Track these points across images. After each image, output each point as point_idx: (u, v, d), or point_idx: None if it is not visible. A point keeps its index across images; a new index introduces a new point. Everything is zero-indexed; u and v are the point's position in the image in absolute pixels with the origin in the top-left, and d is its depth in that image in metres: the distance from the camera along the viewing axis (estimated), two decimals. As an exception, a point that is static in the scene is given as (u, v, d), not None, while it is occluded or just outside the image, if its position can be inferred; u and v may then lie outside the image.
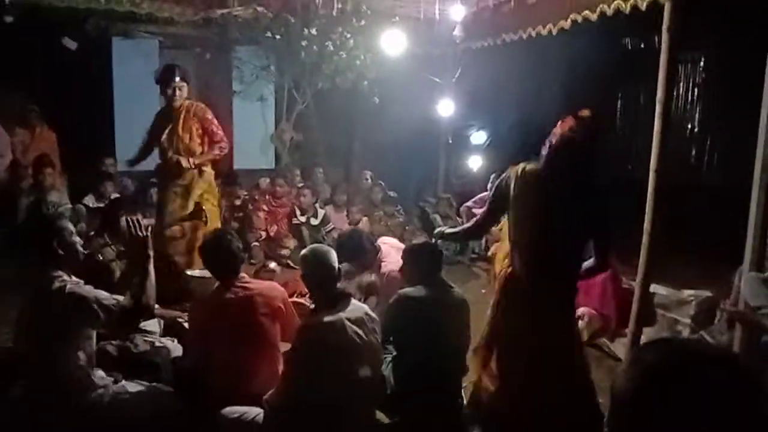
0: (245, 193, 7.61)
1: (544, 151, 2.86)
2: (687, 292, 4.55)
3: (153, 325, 3.87)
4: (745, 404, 0.92)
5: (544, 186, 2.85)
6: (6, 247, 5.51)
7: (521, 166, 2.95)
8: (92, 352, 2.95)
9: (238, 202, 7.36)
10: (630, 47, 8.91)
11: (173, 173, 5.15)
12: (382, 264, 4.35)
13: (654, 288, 4.27)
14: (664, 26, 3.78)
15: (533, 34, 5.79)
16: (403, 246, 4.20)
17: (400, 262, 3.65)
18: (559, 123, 2.83)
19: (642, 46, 8.67)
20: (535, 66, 8.57)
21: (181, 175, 5.14)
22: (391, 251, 4.45)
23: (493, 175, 7.70)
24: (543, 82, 8.94)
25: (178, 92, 5.11)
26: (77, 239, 3.00)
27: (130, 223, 3.00)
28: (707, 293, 4.51)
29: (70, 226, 3.01)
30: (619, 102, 9.22)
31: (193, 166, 5.11)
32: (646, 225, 3.87)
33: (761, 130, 3.61)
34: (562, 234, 2.85)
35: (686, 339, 3.30)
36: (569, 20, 5.05)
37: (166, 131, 5.17)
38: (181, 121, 5.14)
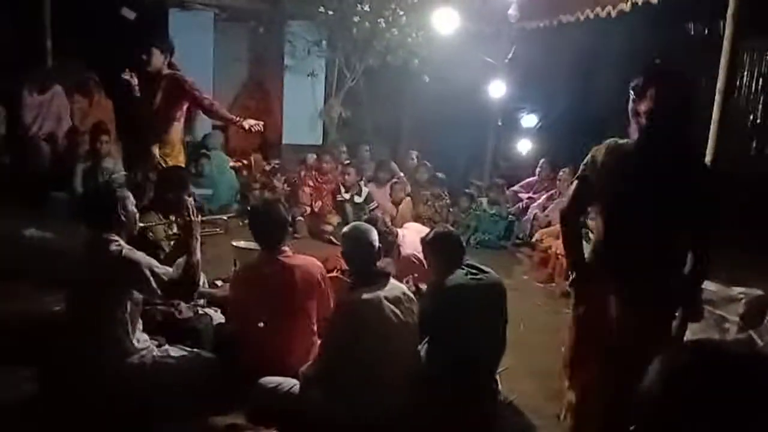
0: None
1: (636, 123, 2.53)
2: (737, 290, 4.39)
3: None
4: None
5: (643, 161, 2.50)
6: (64, 210, 5.75)
7: (610, 141, 2.64)
8: (137, 316, 3.05)
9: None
10: (692, 33, 8.56)
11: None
12: (401, 248, 4.37)
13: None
14: (729, 12, 3.62)
15: (591, 15, 5.63)
16: (424, 229, 4.16)
17: (419, 246, 3.62)
18: (647, 90, 2.49)
19: (706, 32, 8.32)
20: (591, 50, 8.32)
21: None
22: (409, 236, 4.44)
23: (542, 160, 7.60)
24: (598, 67, 8.68)
25: (147, 58, 4.97)
26: (135, 210, 3.12)
27: (184, 207, 3.15)
28: (758, 291, 4.35)
29: (131, 196, 3.13)
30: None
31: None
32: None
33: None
34: (665, 216, 2.49)
35: (717, 341, 3.17)
36: (629, 3, 4.89)
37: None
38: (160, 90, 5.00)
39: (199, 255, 3.14)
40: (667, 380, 0.95)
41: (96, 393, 2.87)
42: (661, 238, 2.55)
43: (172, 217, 3.61)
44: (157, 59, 5.01)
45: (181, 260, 3.17)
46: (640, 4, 4.72)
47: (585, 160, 2.71)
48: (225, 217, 4.54)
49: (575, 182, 2.76)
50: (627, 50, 7.79)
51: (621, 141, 2.61)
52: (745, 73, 8.02)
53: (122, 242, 2.96)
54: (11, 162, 6.80)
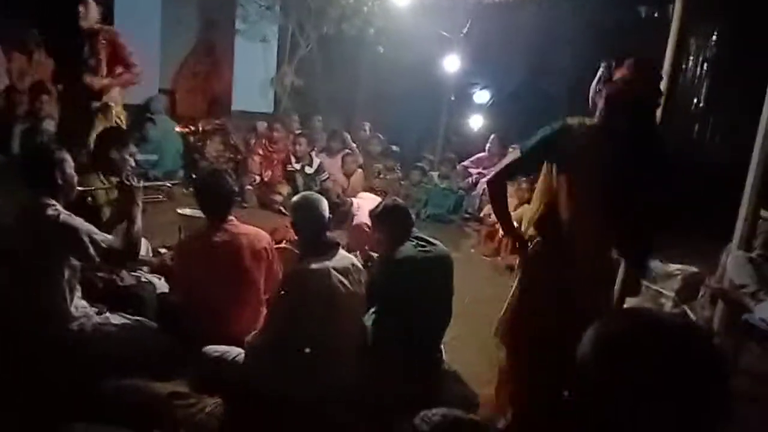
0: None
1: (600, 103, 2.52)
2: (674, 266, 4.58)
3: (142, 249, 3.90)
4: (705, 375, 0.93)
5: (604, 143, 2.48)
6: (0, 172, 5.50)
7: (578, 119, 2.59)
8: (76, 282, 2.96)
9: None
10: (643, 14, 8.73)
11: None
12: (354, 217, 4.38)
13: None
14: (679, -6, 3.68)
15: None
16: (377, 200, 4.17)
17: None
18: (616, 70, 2.56)
19: (655, 14, 8.50)
20: (546, 27, 8.39)
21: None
22: (364, 205, 4.45)
23: (492, 136, 7.68)
24: (552, 44, 8.78)
25: (84, 11, 4.68)
26: (73, 173, 3.00)
27: (125, 169, 3.06)
28: (693, 269, 4.54)
29: (70, 159, 3.01)
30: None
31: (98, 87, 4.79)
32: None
33: (765, 110, 3.57)
34: (622, 199, 2.49)
35: (649, 309, 3.28)
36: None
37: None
38: (89, 45, 4.75)
39: (140, 222, 3.07)
40: (601, 346, 0.97)
41: (34, 361, 2.77)
42: (613, 216, 2.56)
43: (114, 181, 3.50)
44: (93, 12, 4.73)
45: (122, 227, 3.09)
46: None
47: (535, 141, 2.70)
48: (169, 184, 4.41)
49: (517, 156, 2.80)
50: (581, 29, 7.89)
51: (578, 122, 2.58)
52: (691, 57, 8.25)
53: (59, 207, 2.84)
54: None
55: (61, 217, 2.79)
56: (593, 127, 2.55)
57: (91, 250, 2.82)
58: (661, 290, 4.51)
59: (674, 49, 3.74)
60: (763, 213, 3.75)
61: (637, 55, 3.02)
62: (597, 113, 2.56)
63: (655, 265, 4.66)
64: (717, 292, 3.77)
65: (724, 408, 0.94)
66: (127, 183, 3.14)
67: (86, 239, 2.81)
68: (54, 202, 2.84)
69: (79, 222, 2.85)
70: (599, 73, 2.64)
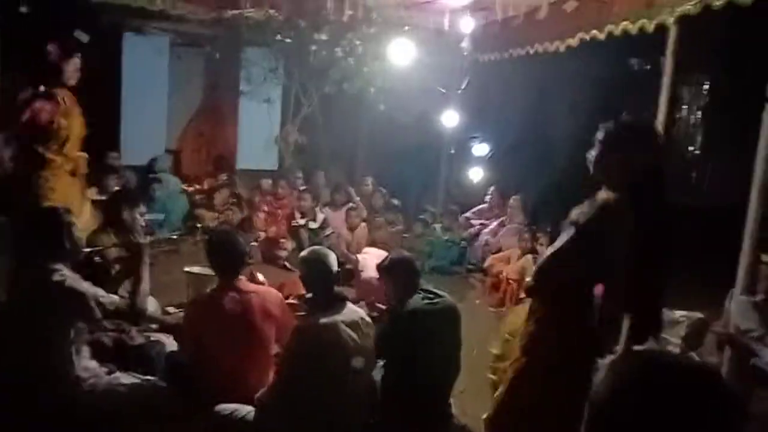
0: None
1: (624, 179, 2.46)
2: (679, 313, 4.58)
3: (151, 308, 3.94)
4: (721, 416, 0.95)
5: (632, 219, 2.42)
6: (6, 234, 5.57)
7: (604, 198, 2.51)
8: (83, 343, 2.99)
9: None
10: (636, 68, 8.98)
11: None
12: (361, 273, 4.42)
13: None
14: (668, 49, 3.83)
15: (540, 50, 5.85)
16: (383, 254, 4.23)
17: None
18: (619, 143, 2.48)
19: (648, 67, 8.74)
20: (541, 82, 8.64)
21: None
22: (370, 260, 4.51)
23: (491, 188, 7.80)
24: (548, 98, 9.01)
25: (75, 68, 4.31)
26: (80, 236, 3.07)
27: (135, 228, 3.14)
28: (699, 315, 4.54)
29: (76, 221, 3.09)
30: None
31: None
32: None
33: (759, 155, 3.66)
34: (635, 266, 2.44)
35: (664, 350, 3.29)
36: (577, 38, 5.11)
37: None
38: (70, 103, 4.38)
39: (147, 280, 3.13)
40: (617, 385, 1.01)
41: (45, 420, 2.78)
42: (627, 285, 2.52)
43: (121, 239, 3.57)
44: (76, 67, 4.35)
45: (128, 285, 3.14)
46: (588, 39, 4.94)
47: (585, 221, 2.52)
48: (174, 236, 4.44)
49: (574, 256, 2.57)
50: (575, 83, 8.12)
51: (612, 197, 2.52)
52: (684, 106, 8.45)
53: (66, 272, 2.89)
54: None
55: (67, 282, 2.83)
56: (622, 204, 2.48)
57: (98, 313, 2.87)
58: (667, 337, 4.51)
59: (667, 99, 3.88)
60: (765, 257, 3.79)
61: (628, 106, 3.11)
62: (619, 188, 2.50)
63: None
64: (723, 337, 3.77)
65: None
66: (135, 240, 3.21)
67: (92, 303, 2.86)
68: (60, 266, 2.89)
69: (86, 287, 2.89)
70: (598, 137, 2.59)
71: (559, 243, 2.52)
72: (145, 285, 3.12)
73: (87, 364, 3.00)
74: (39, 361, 2.85)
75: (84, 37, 7.54)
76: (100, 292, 2.95)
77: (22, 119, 4.15)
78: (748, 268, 3.69)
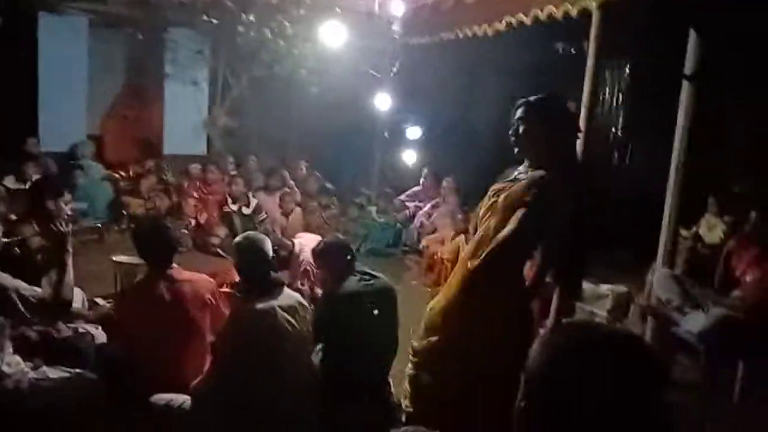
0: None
1: (549, 155, 2.69)
2: (604, 287, 4.79)
3: (77, 300, 3.80)
4: (647, 381, 1.01)
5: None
6: None
7: (540, 175, 2.69)
8: (5, 339, 2.85)
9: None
10: (562, 52, 9.21)
11: None
12: (300, 257, 4.41)
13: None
14: (592, 34, 3.95)
15: (469, 34, 5.92)
16: (318, 239, 4.23)
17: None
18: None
19: (572, 50, 8.99)
20: (471, 65, 8.75)
21: None
22: (306, 245, 4.51)
23: (425, 170, 7.88)
24: (478, 82, 9.14)
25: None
26: None
27: (58, 216, 3.02)
28: (623, 288, 4.76)
29: None
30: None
31: None
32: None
33: (677, 135, 3.86)
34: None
35: (593, 321, 3.45)
36: (504, 22, 5.19)
37: None
38: None
39: (71, 270, 3.03)
40: (550, 356, 1.05)
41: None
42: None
43: (42, 229, 3.42)
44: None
45: (52, 276, 3.02)
46: (514, 24, 5.03)
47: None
48: (99, 224, 4.27)
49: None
50: (504, 66, 8.26)
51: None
52: (607, 89, 8.75)
53: None
54: None
55: None
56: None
57: (20, 306, 2.76)
58: (593, 310, 4.71)
59: (591, 82, 4.00)
60: (683, 232, 4.01)
61: (555, 89, 3.23)
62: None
63: (587, 286, 4.87)
64: (646, 308, 3.98)
65: (664, 413, 1.02)
66: (57, 229, 3.09)
67: (14, 296, 2.75)
68: None
69: (5, 279, 2.78)
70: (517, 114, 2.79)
71: (513, 224, 2.64)
72: (70, 275, 3.02)
73: (10, 360, 2.86)
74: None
75: (-5, 18, 7.13)
76: (21, 284, 2.84)
77: None
78: (667, 243, 3.90)
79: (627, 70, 8.78)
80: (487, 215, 2.79)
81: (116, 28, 8.23)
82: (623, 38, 5.84)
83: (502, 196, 2.72)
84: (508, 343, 2.57)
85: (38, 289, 2.92)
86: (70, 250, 3.09)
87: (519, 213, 2.64)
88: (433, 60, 7.86)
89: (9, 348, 2.89)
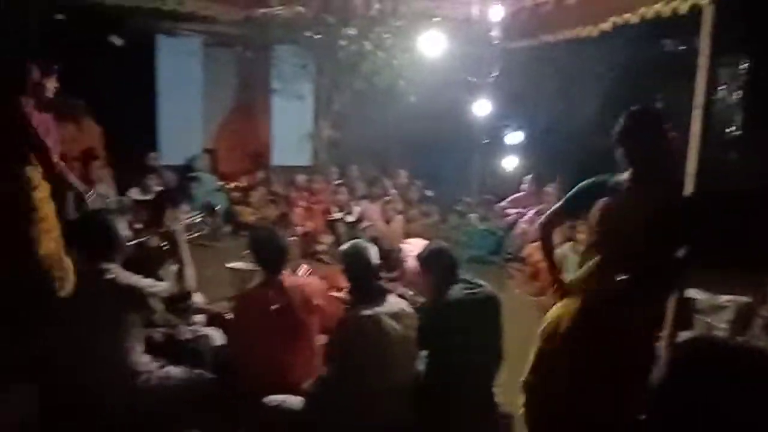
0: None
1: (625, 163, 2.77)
2: (724, 297, 4.52)
3: (198, 300, 4.10)
4: None
5: (635, 198, 2.73)
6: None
7: (600, 180, 2.86)
8: (140, 338, 3.09)
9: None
10: (670, 50, 8.80)
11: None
12: (406, 263, 4.43)
13: (691, 293, 4.25)
14: (704, 30, 3.76)
15: (571, 36, 5.78)
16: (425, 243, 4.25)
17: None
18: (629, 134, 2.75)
19: (683, 48, 8.56)
20: (573, 67, 8.53)
21: None
22: (412, 250, 4.51)
23: (528, 176, 7.75)
24: (580, 83, 8.89)
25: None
26: (126, 233, 3.18)
27: (165, 218, 3.31)
28: (745, 299, 4.47)
29: (120, 221, 3.21)
30: (656, 105, 9.11)
31: None
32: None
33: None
34: (656, 246, 2.71)
35: (718, 336, 3.28)
36: (610, 22, 5.04)
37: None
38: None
39: (189, 264, 3.26)
40: (678, 371, 1.02)
41: (102, 417, 2.89)
42: (652, 265, 2.68)
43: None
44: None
45: (172, 271, 3.28)
46: (620, 24, 4.87)
47: (573, 192, 2.94)
48: (199, 218, 4.48)
49: (560, 203, 3.03)
50: (606, 67, 8.00)
51: (610, 180, 2.80)
52: (723, 87, 8.26)
53: (116, 269, 3.01)
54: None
55: (119, 278, 2.96)
56: (623, 183, 2.76)
57: (151, 303, 3.00)
58: (712, 323, 4.45)
59: (705, 81, 3.80)
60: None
61: (663, 89, 3.13)
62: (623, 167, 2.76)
63: (705, 297, 4.61)
64: (770, 320, 3.72)
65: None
66: (168, 229, 3.41)
67: (145, 294, 2.98)
68: (110, 265, 3.01)
69: (135, 280, 3.02)
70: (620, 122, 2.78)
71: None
72: (189, 267, 3.26)
73: (141, 359, 3.10)
74: (101, 356, 2.96)
75: (119, 41, 7.77)
76: (149, 281, 3.08)
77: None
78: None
79: (744, 67, 8.25)
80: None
81: (227, 47, 8.72)
82: (739, 33, 5.51)
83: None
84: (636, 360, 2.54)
85: (164, 284, 3.17)
86: (184, 245, 3.33)
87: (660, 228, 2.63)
88: (533, 63, 7.74)
89: (140, 348, 3.14)
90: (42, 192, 3.74)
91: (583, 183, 2.93)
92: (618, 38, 5.88)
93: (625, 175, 2.78)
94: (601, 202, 2.78)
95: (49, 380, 3.12)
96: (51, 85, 4.32)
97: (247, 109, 9.18)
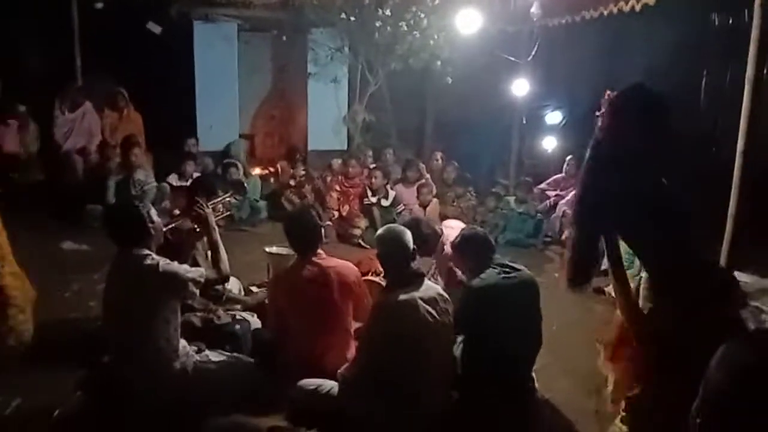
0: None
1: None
2: (772, 280, 4.36)
3: (234, 284, 4.26)
4: None
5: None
6: (100, 222, 5.88)
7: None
8: (178, 323, 3.13)
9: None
10: (717, 23, 8.44)
11: None
12: (445, 247, 4.36)
13: (737, 276, 4.10)
14: (757, 2, 3.58)
15: (615, 10, 5.59)
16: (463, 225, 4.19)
17: None
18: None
19: (730, 22, 8.21)
20: (615, 44, 8.26)
21: None
22: (452, 233, 4.43)
23: (569, 157, 7.56)
24: (623, 61, 8.61)
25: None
26: (159, 219, 3.22)
27: (197, 203, 3.50)
28: (797, 282, 4.30)
29: (153, 207, 3.27)
30: (703, 81, 8.78)
31: None
32: (731, 209, 3.72)
33: None
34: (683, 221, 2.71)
35: None
36: (655, -5, 4.85)
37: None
38: None
39: (222, 248, 3.36)
40: (735, 372, 0.96)
41: (141, 399, 2.94)
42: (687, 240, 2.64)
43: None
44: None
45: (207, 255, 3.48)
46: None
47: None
48: (228, 198, 4.50)
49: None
50: (649, 43, 7.72)
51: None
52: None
53: (155, 256, 3.04)
54: (46, 177, 7.00)
55: (161, 265, 2.99)
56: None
57: (191, 287, 3.04)
58: (760, 306, 4.29)
59: (756, 54, 3.63)
60: None
61: (711, 65, 2.99)
62: None
63: (750, 279, 4.45)
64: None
65: None
66: (200, 209, 3.49)
67: (185, 279, 3.01)
68: (148, 251, 3.05)
69: (176, 266, 3.05)
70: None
71: None
72: (222, 252, 3.34)
73: (180, 344, 3.14)
74: (142, 341, 3.01)
75: (157, 29, 7.84)
76: (188, 267, 3.14)
77: None
78: None
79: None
80: None
81: (263, 32, 8.73)
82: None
83: None
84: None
85: (202, 269, 3.21)
86: (216, 229, 3.44)
87: None
88: (574, 41, 7.52)
89: (178, 333, 3.17)
90: None
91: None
92: (662, 12, 5.66)
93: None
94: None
95: (90, 366, 3.20)
96: None
97: (284, 94, 9.18)
